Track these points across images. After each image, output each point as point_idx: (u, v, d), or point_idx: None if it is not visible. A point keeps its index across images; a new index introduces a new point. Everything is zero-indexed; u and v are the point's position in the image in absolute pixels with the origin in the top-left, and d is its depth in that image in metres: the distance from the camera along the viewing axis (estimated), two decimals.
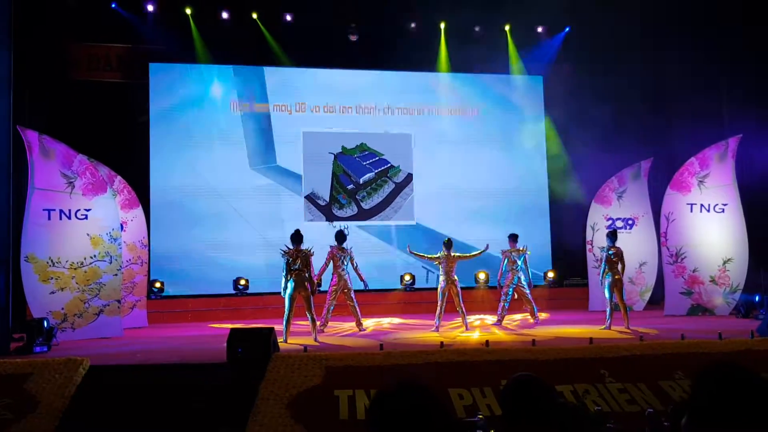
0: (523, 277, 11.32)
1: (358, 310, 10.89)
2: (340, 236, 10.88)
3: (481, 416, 4.85)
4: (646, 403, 6.55)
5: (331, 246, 10.89)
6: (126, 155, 13.36)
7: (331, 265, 10.81)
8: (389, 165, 15.26)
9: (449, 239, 11.02)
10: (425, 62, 15.27)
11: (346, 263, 10.76)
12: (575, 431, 3.08)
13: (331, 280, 10.87)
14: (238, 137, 14.63)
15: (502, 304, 11.36)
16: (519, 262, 11.27)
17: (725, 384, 1.45)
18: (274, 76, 14.96)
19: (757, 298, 11.97)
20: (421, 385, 1.48)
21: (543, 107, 15.77)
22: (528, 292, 11.39)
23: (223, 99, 14.67)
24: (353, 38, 14.74)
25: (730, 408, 1.40)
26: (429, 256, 11.13)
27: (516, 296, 11.43)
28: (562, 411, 3.26)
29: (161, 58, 14.31)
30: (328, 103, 15.09)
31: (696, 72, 13.76)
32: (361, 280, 10.78)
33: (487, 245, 11.17)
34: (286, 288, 9.61)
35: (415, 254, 11.26)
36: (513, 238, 11.48)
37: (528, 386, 2.31)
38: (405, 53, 14.62)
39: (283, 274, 9.67)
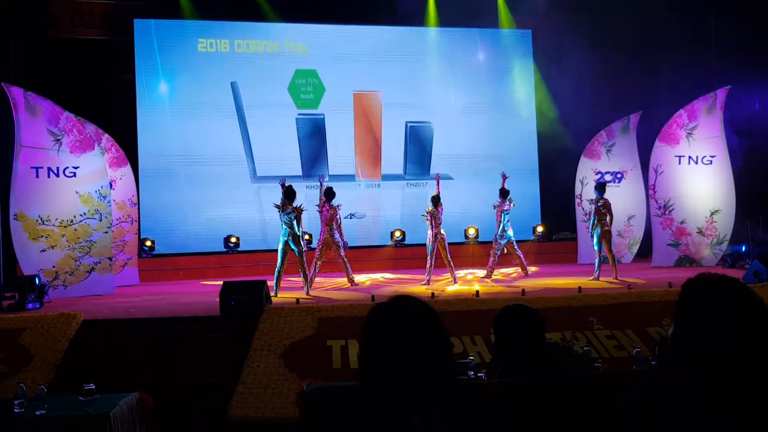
0: (511, 232, 11.40)
1: (348, 265, 10.84)
2: (330, 193, 10.74)
3: (472, 357, 4.95)
4: (634, 348, 6.65)
5: (322, 203, 10.59)
6: (112, 114, 13.17)
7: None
8: None
9: (437, 195, 10.98)
10: (413, 17, 15.05)
11: (335, 221, 10.65)
12: (561, 366, 3.16)
13: (320, 237, 10.75)
14: (226, 93, 14.45)
15: (492, 258, 11.45)
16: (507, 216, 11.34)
17: (713, 290, 1.47)
18: (261, 31, 14.75)
19: (743, 249, 12.11)
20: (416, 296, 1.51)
21: (532, 61, 15.65)
22: (515, 245, 11.47)
23: (208, 54, 14.47)
24: None
25: (717, 312, 1.43)
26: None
27: (506, 251, 11.52)
28: (550, 347, 3.34)
29: (146, 14, 14.07)
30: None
31: (686, 22, 13.67)
32: (342, 239, 10.59)
33: None
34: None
35: None
36: (503, 193, 11.50)
37: (520, 312, 2.35)
38: (392, 8, 14.40)
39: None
